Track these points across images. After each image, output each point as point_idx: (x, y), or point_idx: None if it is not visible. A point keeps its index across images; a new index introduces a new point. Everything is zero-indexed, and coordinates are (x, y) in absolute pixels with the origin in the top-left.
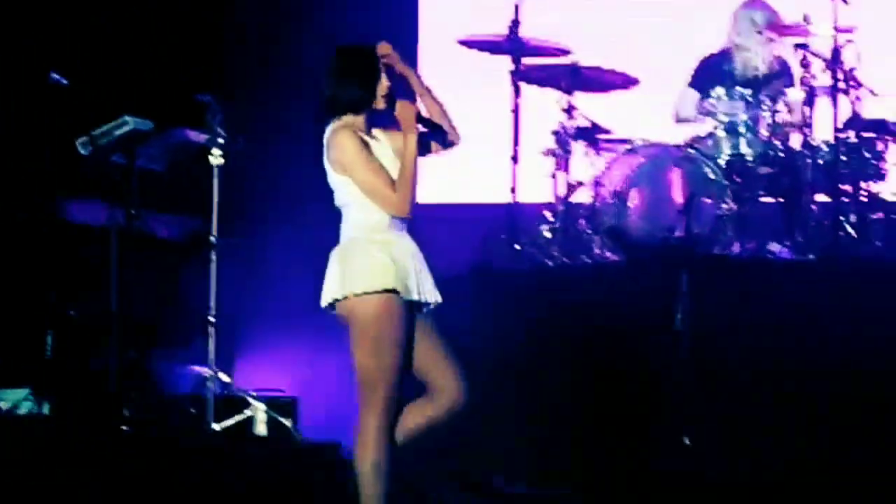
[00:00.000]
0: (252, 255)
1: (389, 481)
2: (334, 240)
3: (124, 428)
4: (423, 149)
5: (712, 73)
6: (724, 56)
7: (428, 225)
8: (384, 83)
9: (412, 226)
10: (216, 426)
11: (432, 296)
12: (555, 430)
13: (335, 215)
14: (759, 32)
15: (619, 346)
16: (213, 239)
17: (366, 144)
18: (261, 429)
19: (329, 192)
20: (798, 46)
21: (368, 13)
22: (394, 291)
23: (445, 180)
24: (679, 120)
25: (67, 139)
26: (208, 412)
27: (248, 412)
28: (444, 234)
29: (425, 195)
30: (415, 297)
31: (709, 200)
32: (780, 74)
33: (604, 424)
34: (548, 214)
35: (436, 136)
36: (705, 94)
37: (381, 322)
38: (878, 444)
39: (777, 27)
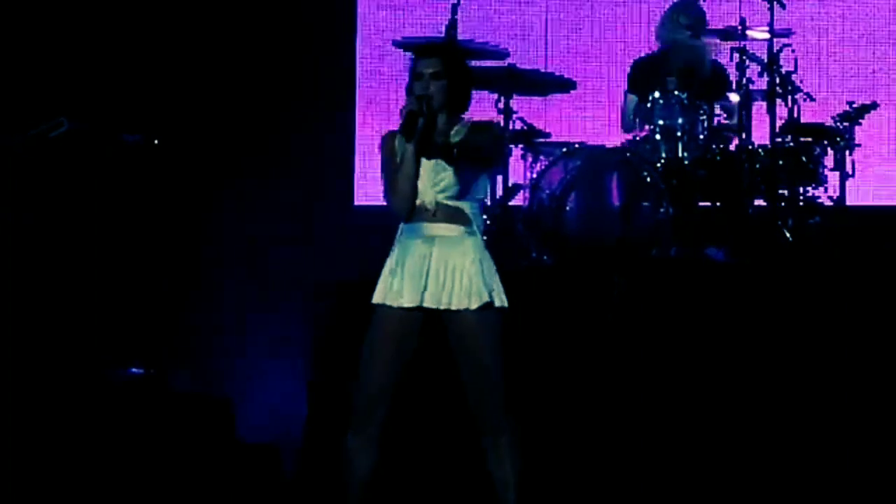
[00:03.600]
0: (194, 253)
1: (352, 479)
2: (273, 242)
3: None
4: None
5: (647, 75)
6: (656, 58)
7: (363, 229)
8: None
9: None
10: None
11: (452, 302)
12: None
13: (274, 218)
14: (690, 34)
15: (555, 349)
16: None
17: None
18: None
19: (265, 197)
20: (735, 50)
21: (304, 14)
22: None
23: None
24: (627, 129)
25: None
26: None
27: None
28: (378, 237)
29: (362, 197)
30: (406, 304)
31: (646, 204)
32: (716, 78)
33: (534, 429)
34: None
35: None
36: (644, 97)
37: (368, 333)
38: (809, 444)
39: (707, 29)
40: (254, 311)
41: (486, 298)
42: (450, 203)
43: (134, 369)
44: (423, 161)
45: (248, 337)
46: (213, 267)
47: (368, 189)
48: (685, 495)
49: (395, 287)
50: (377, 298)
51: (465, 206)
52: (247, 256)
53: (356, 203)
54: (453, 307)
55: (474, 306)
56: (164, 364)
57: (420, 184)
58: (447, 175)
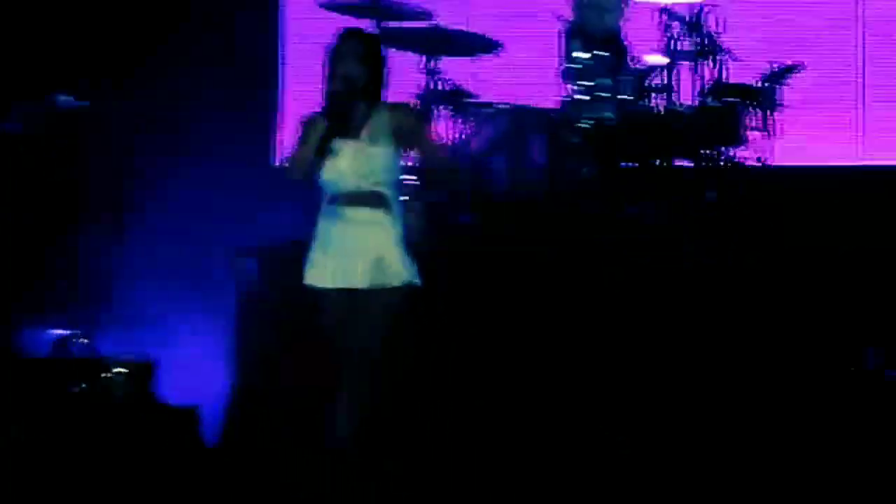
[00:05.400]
0: (118, 216)
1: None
2: (202, 209)
3: None
4: None
5: (573, 38)
6: (581, 21)
7: (284, 191)
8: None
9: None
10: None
11: (359, 280)
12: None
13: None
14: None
15: (482, 311)
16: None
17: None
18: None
19: (191, 166)
20: (661, 11)
21: None
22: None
23: None
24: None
25: None
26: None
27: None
28: (300, 201)
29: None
30: (329, 284)
31: (571, 163)
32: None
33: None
34: (410, 177)
35: None
36: (569, 59)
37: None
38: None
39: None
40: (179, 274)
41: (407, 278)
42: (371, 188)
43: (59, 330)
44: (346, 148)
45: (174, 302)
46: (138, 229)
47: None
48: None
49: (322, 269)
50: (307, 280)
51: (386, 190)
52: (170, 218)
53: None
54: (377, 286)
55: (396, 283)
56: (89, 326)
57: (343, 169)
58: (369, 162)
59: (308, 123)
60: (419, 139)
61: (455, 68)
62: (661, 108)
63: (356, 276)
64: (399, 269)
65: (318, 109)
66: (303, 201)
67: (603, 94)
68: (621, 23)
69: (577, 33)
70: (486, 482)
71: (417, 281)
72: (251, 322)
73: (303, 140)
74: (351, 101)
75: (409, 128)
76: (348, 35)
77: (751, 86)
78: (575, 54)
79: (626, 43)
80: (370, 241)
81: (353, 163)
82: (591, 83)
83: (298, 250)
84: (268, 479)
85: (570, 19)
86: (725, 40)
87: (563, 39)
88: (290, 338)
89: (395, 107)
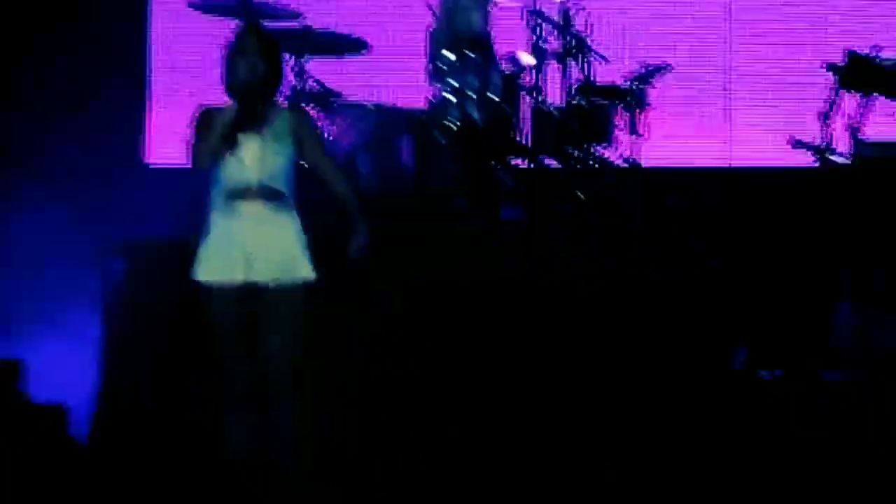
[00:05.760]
0: None
1: (232, 453)
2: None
3: None
4: None
5: (441, 41)
6: (448, 21)
7: (158, 189)
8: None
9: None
10: None
11: (262, 276)
12: None
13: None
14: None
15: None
16: None
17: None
18: None
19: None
20: (528, 11)
21: None
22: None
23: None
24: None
25: None
26: None
27: None
28: (177, 198)
29: (155, 157)
30: (229, 279)
31: (438, 163)
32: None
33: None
34: None
35: None
36: (436, 59)
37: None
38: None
39: None
40: (49, 273)
41: (310, 273)
42: (273, 185)
43: None
44: (250, 142)
45: (44, 301)
46: (4, 226)
47: (162, 149)
48: None
49: (220, 265)
50: (201, 276)
51: (285, 187)
52: (39, 215)
53: (150, 163)
54: (281, 280)
55: (301, 280)
56: None
57: (247, 163)
58: (273, 158)
59: (207, 115)
60: (314, 150)
61: (323, 68)
62: (530, 108)
63: (262, 272)
64: (304, 266)
65: (213, 103)
66: (174, 199)
67: (470, 94)
68: (489, 23)
69: (444, 33)
70: None
71: (316, 278)
72: (119, 320)
73: (203, 132)
74: (259, 93)
75: (307, 135)
76: (251, 30)
77: (619, 86)
78: (442, 54)
79: (493, 43)
80: (273, 237)
81: (257, 157)
82: (459, 83)
83: (170, 247)
84: (136, 478)
85: (437, 19)
86: (594, 41)
87: (430, 40)
88: (160, 337)
89: (296, 110)
